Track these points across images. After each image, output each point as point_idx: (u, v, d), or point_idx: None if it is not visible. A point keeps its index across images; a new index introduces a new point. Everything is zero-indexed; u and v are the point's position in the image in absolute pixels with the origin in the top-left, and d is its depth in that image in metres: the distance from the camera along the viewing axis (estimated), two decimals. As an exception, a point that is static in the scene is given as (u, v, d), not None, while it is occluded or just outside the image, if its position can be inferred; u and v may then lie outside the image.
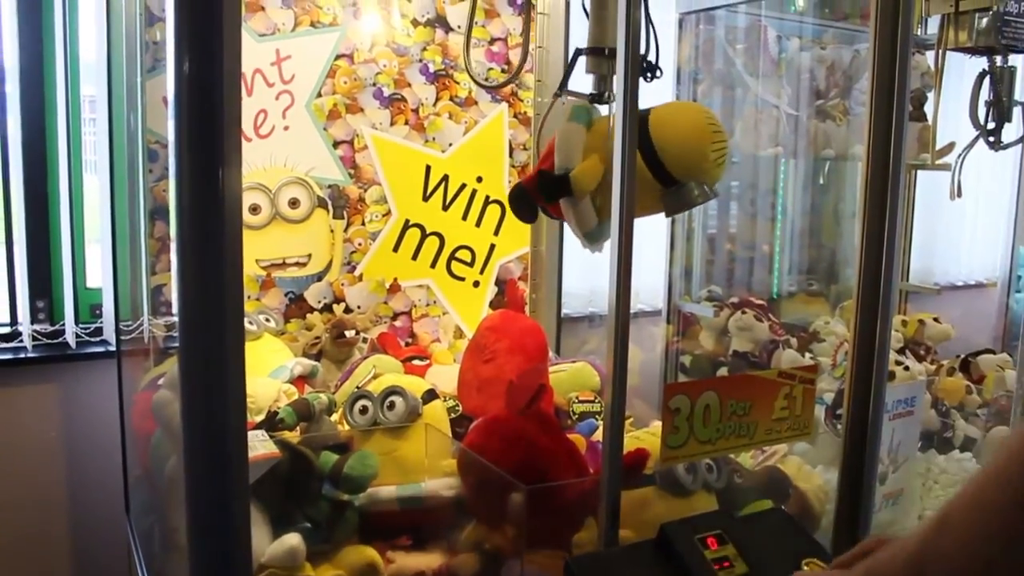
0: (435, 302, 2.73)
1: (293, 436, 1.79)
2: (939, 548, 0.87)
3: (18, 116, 2.48)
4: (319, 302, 2.57)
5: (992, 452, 2.39)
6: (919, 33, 2.60)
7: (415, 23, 2.61)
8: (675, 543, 1.38)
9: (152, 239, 2.33)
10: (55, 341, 2.57)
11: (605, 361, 1.40)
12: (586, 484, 1.59)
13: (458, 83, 2.67)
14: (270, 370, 2.16)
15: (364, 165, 2.58)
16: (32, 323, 2.55)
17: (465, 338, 2.69)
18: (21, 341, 2.54)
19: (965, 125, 2.58)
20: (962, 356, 2.80)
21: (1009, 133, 2.59)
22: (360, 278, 2.62)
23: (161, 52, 2.27)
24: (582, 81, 1.77)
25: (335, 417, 1.97)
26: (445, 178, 2.68)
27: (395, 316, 2.68)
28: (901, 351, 2.82)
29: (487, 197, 2.73)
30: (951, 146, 2.65)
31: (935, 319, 3.07)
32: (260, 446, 1.60)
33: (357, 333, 2.48)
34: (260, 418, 1.86)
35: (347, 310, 2.60)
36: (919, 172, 3.08)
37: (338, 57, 2.51)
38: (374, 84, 2.57)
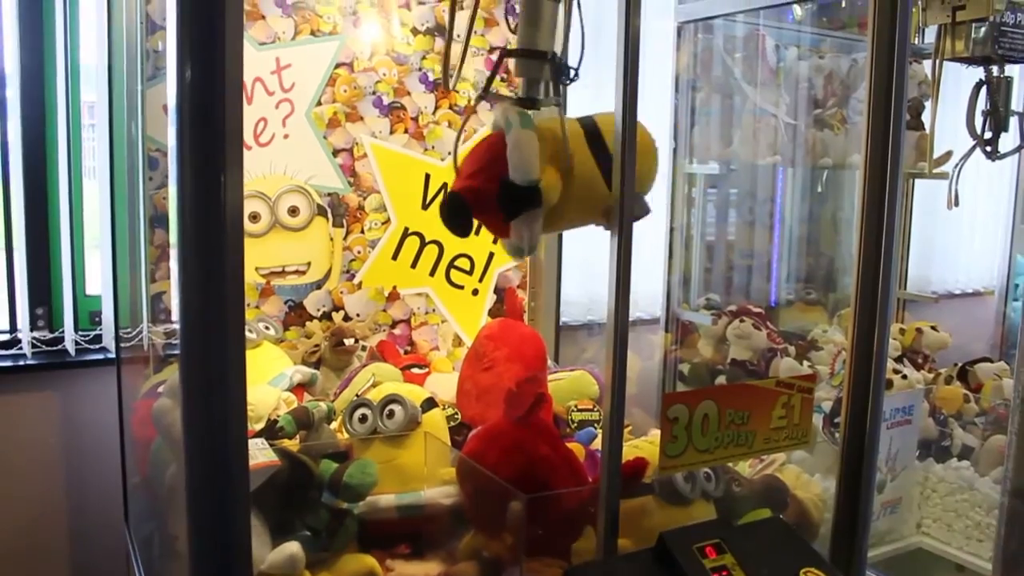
0: (434, 310, 2.73)
1: (293, 444, 1.80)
2: None
3: (18, 121, 2.49)
4: (318, 310, 2.57)
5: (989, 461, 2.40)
6: (916, 42, 2.62)
7: (415, 32, 2.62)
8: (674, 552, 1.39)
9: (152, 246, 2.34)
10: (54, 348, 2.57)
11: (604, 369, 1.41)
12: (585, 493, 1.60)
13: (457, 92, 2.68)
14: (269, 378, 2.16)
15: (364, 173, 2.58)
16: (32, 330, 2.55)
17: (464, 346, 2.70)
18: (21, 348, 2.54)
19: (962, 134, 2.59)
20: (960, 364, 2.80)
21: (1006, 143, 2.60)
22: (359, 286, 2.62)
23: (162, 61, 2.28)
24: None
25: (334, 425, 1.97)
26: (444, 186, 2.68)
27: (394, 324, 2.69)
28: (899, 359, 2.83)
29: (486, 205, 2.73)
30: (948, 155, 2.66)
31: (933, 327, 3.07)
32: (260, 454, 1.61)
33: (356, 341, 2.49)
34: (260, 426, 1.87)
35: (346, 318, 2.60)
36: (917, 181, 3.09)
37: (338, 66, 2.52)
38: (374, 92, 2.58)
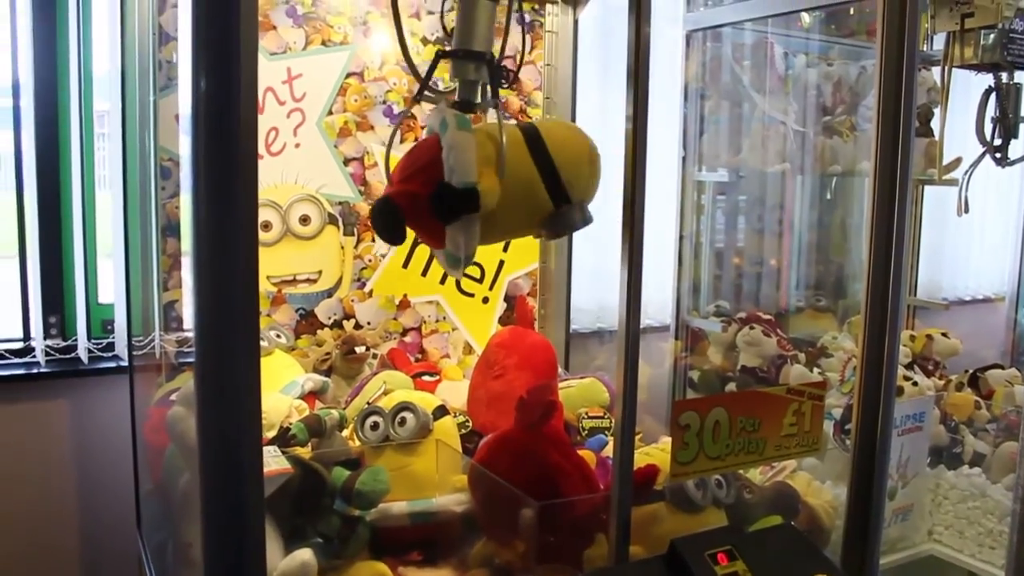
0: (445, 318, 2.74)
1: (305, 452, 1.81)
2: None
3: (32, 131, 2.51)
4: (329, 318, 2.58)
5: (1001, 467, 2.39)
6: (925, 49, 2.62)
7: (424, 41, 2.63)
8: (685, 559, 1.39)
9: (164, 255, 2.35)
10: (67, 356, 2.59)
11: (614, 377, 1.41)
12: (596, 500, 1.60)
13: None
14: (281, 386, 2.17)
15: (374, 182, 2.59)
16: (45, 338, 2.57)
17: (474, 354, 2.70)
18: (34, 356, 2.56)
19: (972, 141, 2.59)
20: (970, 371, 2.80)
21: (1016, 149, 2.60)
22: (370, 294, 2.63)
23: (174, 71, 2.30)
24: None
25: (346, 433, 1.98)
26: (454, 195, 2.69)
27: (405, 332, 2.69)
28: (909, 366, 2.83)
29: (496, 213, 2.75)
30: (958, 161, 2.66)
31: (943, 334, 3.07)
32: (273, 462, 1.62)
33: (367, 349, 2.50)
34: (272, 434, 1.88)
35: (357, 326, 2.61)
36: (926, 187, 3.09)
37: (349, 75, 2.53)
38: (384, 102, 2.59)
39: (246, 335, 1.11)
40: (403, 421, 1.87)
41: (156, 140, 2.32)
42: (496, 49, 1.71)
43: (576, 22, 2.78)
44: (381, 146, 2.58)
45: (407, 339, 2.70)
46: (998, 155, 2.57)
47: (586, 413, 2.24)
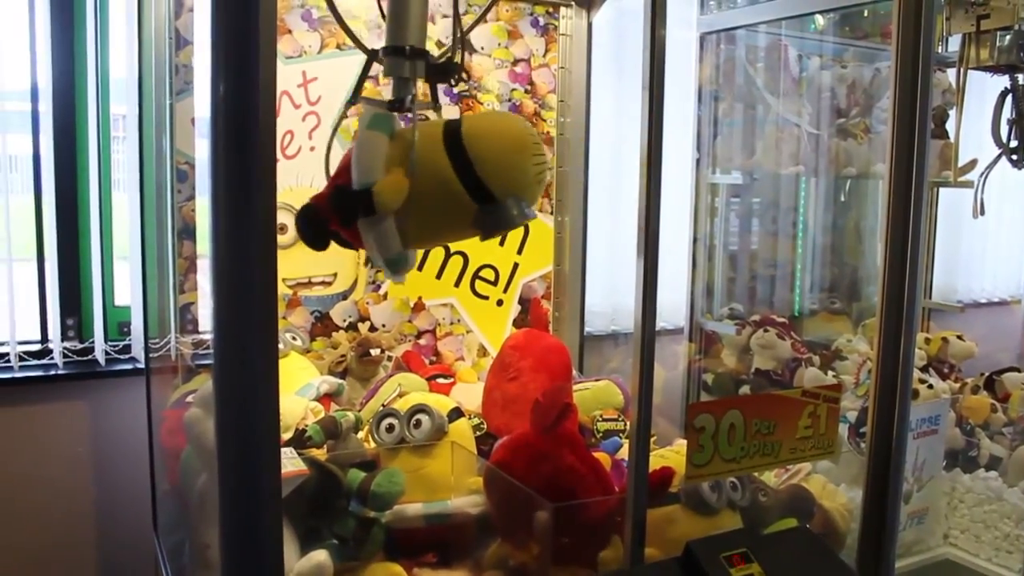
0: (459, 320, 2.75)
1: (321, 454, 1.82)
2: None
3: (50, 134, 2.53)
4: (344, 320, 2.59)
5: (1017, 471, 2.38)
6: (940, 51, 2.61)
7: (439, 45, 2.63)
8: (701, 561, 1.40)
9: (180, 258, 2.37)
10: (85, 358, 2.60)
11: (629, 379, 1.41)
12: (612, 502, 1.60)
13: (481, 104, 2.70)
14: (296, 388, 2.18)
15: (389, 185, 2.60)
16: (62, 340, 2.58)
17: (489, 356, 2.71)
18: (52, 358, 2.58)
19: (987, 143, 2.58)
20: (986, 374, 2.78)
21: (1032, 151, 2.59)
22: (385, 297, 2.64)
23: (190, 75, 2.31)
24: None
25: (361, 435, 1.98)
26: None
27: (419, 334, 2.70)
28: (925, 369, 2.81)
29: (510, 216, 2.75)
30: (973, 163, 2.65)
31: (959, 337, 3.05)
32: (289, 463, 1.62)
33: (382, 351, 2.50)
34: (288, 436, 1.89)
35: (372, 328, 2.62)
36: (941, 189, 3.08)
37: (364, 79, 2.54)
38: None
39: (264, 338, 1.11)
40: (418, 423, 1.88)
41: (172, 143, 2.34)
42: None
43: (590, 25, 2.78)
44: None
45: (422, 341, 2.70)
46: (1014, 157, 2.55)
47: (600, 415, 2.24)
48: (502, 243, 2.75)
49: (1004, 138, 2.54)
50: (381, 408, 2.01)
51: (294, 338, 2.45)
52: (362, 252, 2.52)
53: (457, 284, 2.72)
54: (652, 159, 1.35)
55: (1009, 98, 2.51)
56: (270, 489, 1.14)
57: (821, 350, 3.06)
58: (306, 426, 1.90)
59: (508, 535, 1.71)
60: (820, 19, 3.34)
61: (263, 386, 1.11)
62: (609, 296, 3.17)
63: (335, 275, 2.55)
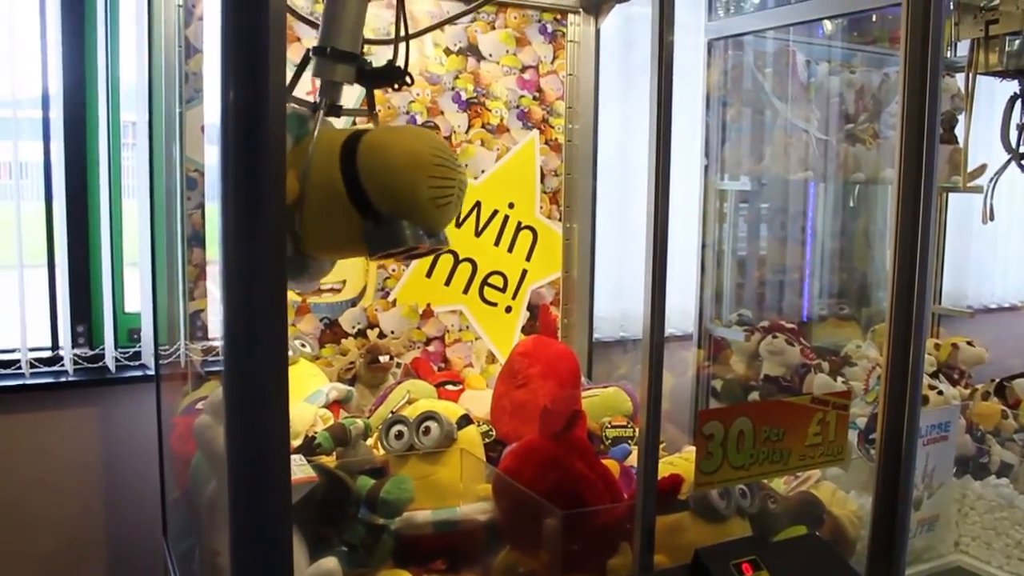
0: (468, 327, 2.75)
1: (330, 461, 1.82)
2: None
3: (61, 141, 2.54)
4: (353, 327, 2.60)
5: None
6: (949, 55, 2.61)
7: (447, 52, 2.65)
8: (710, 569, 1.39)
9: (190, 265, 2.38)
10: (95, 365, 2.62)
11: (637, 386, 1.41)
12: (621, 509, 1.60)
13: (490, 111, 2.70)
14: (306, 395, 2.18)
15: (397, 192, 2.60)
16: (73, 347, 2.60)
17: (498, 363, 2.71)
18: (62, 365, 2.59)
19: (996, 148, 2.57)
20: (997, 380, 2.77)
21: (1042, 156, 2.58)
22: (394, 304, 2.64)
23: (200, 83, 2.32)
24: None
25: (371, 442, 1.99)
26: (478, 204, 2.71)
27: (428, 341, 2.70)
28: (934, 375, 2.80)
29: (519, 223, 2.76)
30: (983, 168, 2.64)
31: (969, 343, 3.04)
32: (298, 470, 1.62)
33: (391, 358, 2.51)
34: (297, 443, 1.89)
35: (381, 335, 2.62)
36: (951, 194, 3.07)
37: (372, 86, 2.54)
38: (407, 112, 2.61)
39: (274, 344, 1.12)
40: (427, 430, 1.88)
41: (182, 151, 2.35)
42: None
43: (598, 31, 2.79)
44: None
45: (431, 348, 2.71)
46: (1023, 162, 2.55)
47: (609, 422, 2.24)
48: (511, 249, 2.76)
49: (1013, 143, 2.53)
50: (390, 415, 2.01)
51: (303, 345, 2.45)
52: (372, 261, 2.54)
53: (466, 291, 2.72)
54: (660, 165, 1.35)
55: (1018, 103, 2.51)
56: (280, 496, 1.14)
57: (830, 356, 3.05)
58: (315, 433, 1.90)
59: (517, 542, 1.71)
60: (828, 24, 3.34)
61: (273, 393, 1.12)
62: (618, 302, 3.17)
63: (344, 282, 2.56)
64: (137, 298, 2.66)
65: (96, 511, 2.61)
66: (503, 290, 2.77)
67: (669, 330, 3.20)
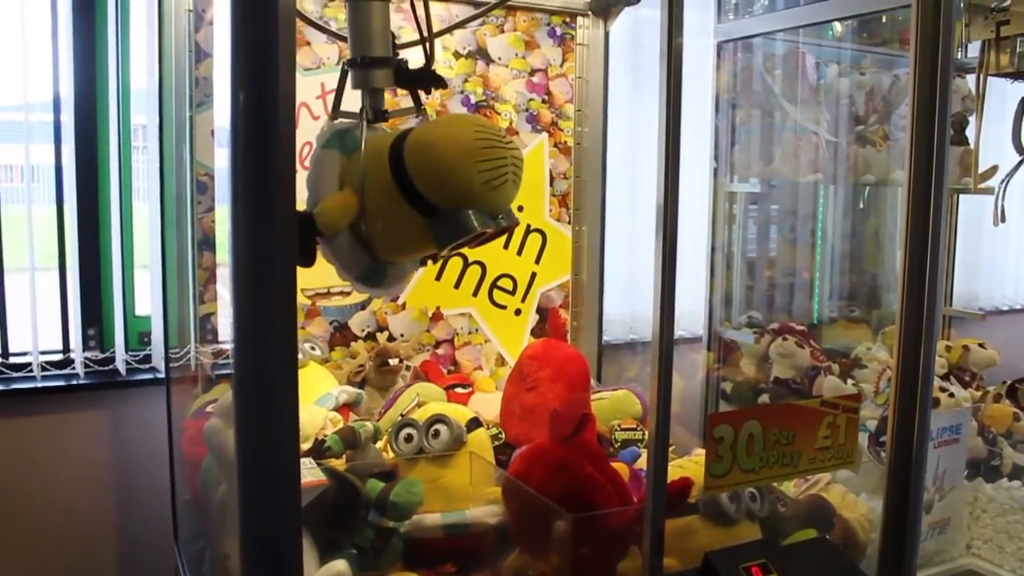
0: (477, 330, 2.75)
1: (339, 464, 1.82)
2: None
3: (72, 145, 2.56)
4: (363, 331, 2.60)
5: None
6: (959, 57, 2.59)
7: (457, 55, 2.65)
8: (719, 572, 1.39)
9: (200, 268, 2.38)
10: (106, 368, 2.63)
11: (647, 389, 1.41)
12: (630, 512, 1.60)
13: (499, 114, 2.71)
14: (315, 398, 2.19)
15: (407, 195, 2.60)
16: (84, 350, 2.61)
17: (507, 366, 2.71)
18: (73, 368, 2.60)
19: (1008, 149, 2.56)
20: (1009, 382, 2.76)
21: (1053, 158, 2.57)
22: (403, 307, 2.65)
23: (210, 87, 2.33)
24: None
25: (380, 445, 1.99)
26: (485, 207, 2.70)
27: (437, 344, 2.71)
28: (945, 377, 2.79)
29: (528, 226, 2.76)
30: (994, 169, 2.63)
31: (980, 344, 3.03)
32: (308, 473, 1.63)
33: (400, 361, 2.51)
34: (307, 446, 1.89)
35: (390, 338, 2.63)
36: (961, 196, 3.06)
37: (381, 89, 2.55)
38: (417, 116, 2.60)
39: (283, 348, 1.12)
40: (437, 433, 1.88)
41: (192, 155, 2.36)
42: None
43: (607, 34, 2.79)
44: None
45: (440, 351, 2.71)
46: (1035, 164, 2.54)
47: (619, 425, 2.24)
48: (520, 252, 2.76)
49: (1024, 145, 2.52)
50: (399, 418, 2.01)
51: (313, 348, 2.45)
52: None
53: (475, 294, 2.73)
54: (670, 167, 1.34)
55: (1030, 104, 2.50)
56: (290, 499, 1.15)
57: (840, 358, 3.04)
58: (325, 436, 1.91)
59: (526, 545, 1.71)
60: (837, 26, 3.33)
61: (282, 396, 1.12)
62: (627, 305, 3.16)
63: (353, 285, 2.56)
64: (148, 301, 2.67)
65: (107, 513, 2.62)
66: (512, 293, 2.77)
67: (678, 332, 3.20)
